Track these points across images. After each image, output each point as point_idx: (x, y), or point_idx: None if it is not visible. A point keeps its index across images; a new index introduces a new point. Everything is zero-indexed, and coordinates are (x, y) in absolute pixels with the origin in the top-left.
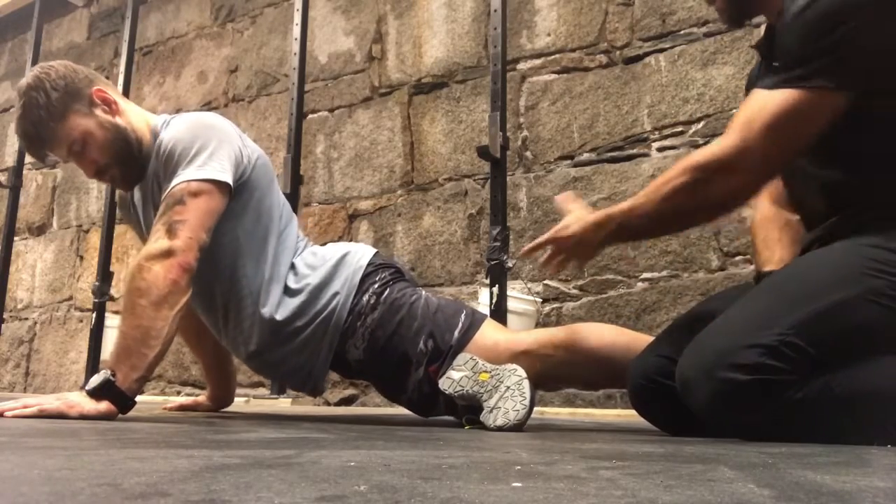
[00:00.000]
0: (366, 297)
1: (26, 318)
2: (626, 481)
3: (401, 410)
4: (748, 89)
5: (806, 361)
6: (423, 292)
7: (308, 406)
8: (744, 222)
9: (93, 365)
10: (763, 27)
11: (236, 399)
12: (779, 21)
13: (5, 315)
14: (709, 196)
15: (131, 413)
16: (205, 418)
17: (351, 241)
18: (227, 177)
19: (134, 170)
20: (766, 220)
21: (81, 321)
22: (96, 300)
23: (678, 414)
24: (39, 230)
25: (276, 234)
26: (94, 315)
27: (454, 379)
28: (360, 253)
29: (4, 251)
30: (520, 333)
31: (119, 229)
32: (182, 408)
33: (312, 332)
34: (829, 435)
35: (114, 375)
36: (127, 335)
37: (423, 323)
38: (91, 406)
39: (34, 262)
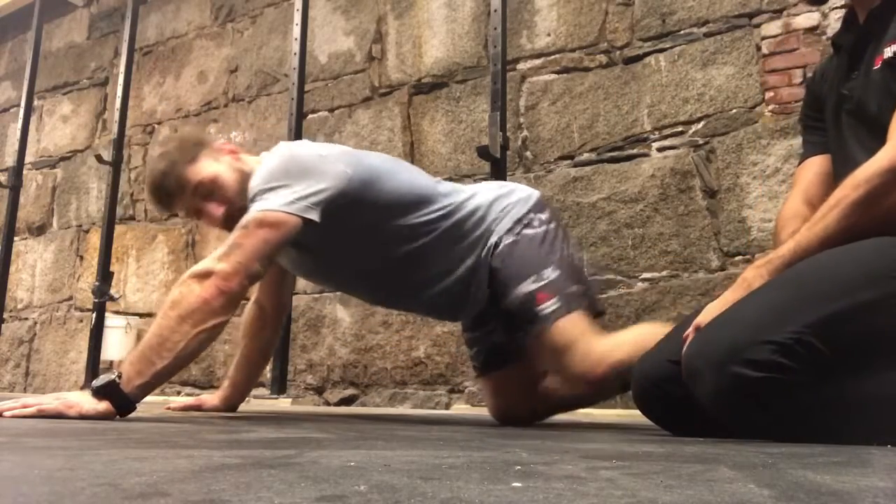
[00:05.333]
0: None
1: (26, 318)
2: (626, 481)
3: (401, 410)
4: (812, 88)
5: (819, 362)
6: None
7: (308, 406)
8: None
9: (93, 365)
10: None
11: None
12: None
13: (5, 315)
14: (889, 205)
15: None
16: (205, 418)
17: None
18: (297, 207)
19: None
20: (796, 216)
21: (81, 321)
22: (96, 300)
23: (682, 416)
24: (39, 230)
25: (415, 214)
26: (94, 315)
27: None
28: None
29: (4, 251)
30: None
31: (119, 229)
32: (186, 408)
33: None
34: (843, 442)
35: (120, 377)
36: (145, 340)
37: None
38: (90, 406)
39: (34, 262)
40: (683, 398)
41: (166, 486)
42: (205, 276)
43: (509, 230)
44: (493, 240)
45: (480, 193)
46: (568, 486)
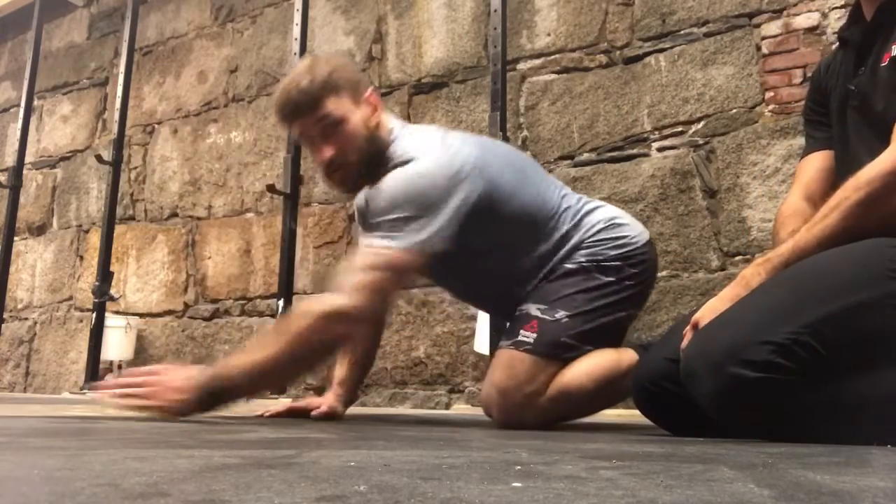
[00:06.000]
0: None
1: (26, 318)
2: (626, 481)
3: (401, 410)
4: (817, 82)
5: (816, 363)
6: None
7: None
8: None
9: (93, 365)
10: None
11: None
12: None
13: (5, 315)
14: (890, 208)
15: (131, 413)
16: (205, 418)
17: (349, 242)
18: (428, 245)
19: (366, 177)
20: (796, 213)
21: (81, 321)
22: (96, 300)
23: (683, 416)
24: (39, 230)
25: (526, 243)
26: (94, 315)
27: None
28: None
29: (4, 251)
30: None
31: (119, 229)
32: (291, 411)
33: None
34: (843, 442)
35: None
36: (263, 359)
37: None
38: (177, 395)
39: (34, 262)
40: (683, 397)
41: (166, 486)
42: (345, 319)
43: (580, 262)
44: (565, 262)
45: (597, 212)
46: (568, 486)
